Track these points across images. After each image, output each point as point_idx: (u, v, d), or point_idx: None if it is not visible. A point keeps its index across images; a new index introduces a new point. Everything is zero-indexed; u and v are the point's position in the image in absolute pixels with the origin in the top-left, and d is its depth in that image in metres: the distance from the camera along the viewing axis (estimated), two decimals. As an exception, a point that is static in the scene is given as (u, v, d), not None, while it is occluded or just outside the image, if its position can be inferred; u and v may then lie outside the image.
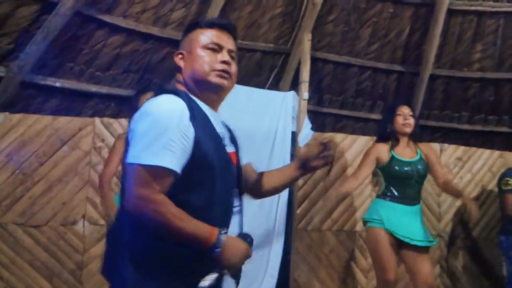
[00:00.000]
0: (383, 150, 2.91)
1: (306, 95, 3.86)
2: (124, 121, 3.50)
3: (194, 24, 1.42)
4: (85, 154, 3.38)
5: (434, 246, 3.21)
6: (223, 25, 1.41)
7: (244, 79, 4.00)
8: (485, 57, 4.20)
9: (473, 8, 3.97)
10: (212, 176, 1.23)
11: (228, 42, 1.38)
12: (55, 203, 3.28)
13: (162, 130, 1.16)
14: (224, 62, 1.33)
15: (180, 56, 1.40)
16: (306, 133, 3.89)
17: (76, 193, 3.33)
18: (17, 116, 3.27)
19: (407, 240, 2.76)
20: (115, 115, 3.69)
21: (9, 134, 3.24)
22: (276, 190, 1.59)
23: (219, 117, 1.40)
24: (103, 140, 3.43)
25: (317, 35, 3.99)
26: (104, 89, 3.60)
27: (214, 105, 1.38)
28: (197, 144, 1.20)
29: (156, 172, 1.13)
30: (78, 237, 3.32)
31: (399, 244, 2.80)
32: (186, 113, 1.21)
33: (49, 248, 3.25)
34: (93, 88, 3.56)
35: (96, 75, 3.57)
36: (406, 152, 2.92)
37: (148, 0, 3.39)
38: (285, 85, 4.15)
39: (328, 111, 4.36)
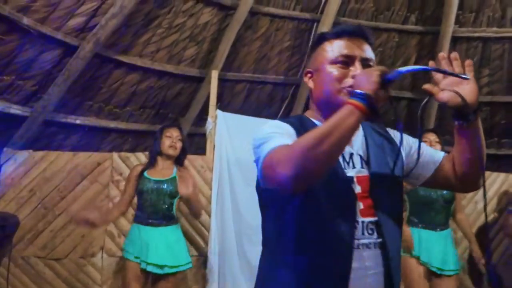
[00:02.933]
0: None
1: (316, 124, 3.95)
2: (140, 154, 3.63)
3: (321, 36, 1.22)
4: (103, 188, 3.49)
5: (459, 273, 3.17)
6: (353, 31, 1.17)
7: (256, 111, 4.13)
8: (494, 81, 4.25)
9: (477, 34, 4.06)
10: (315, 205, 1.08)
11: (361, 50, 1.15)
12: (75, 236, 3.38)
13: None
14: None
15: (309, 75, 1.22)
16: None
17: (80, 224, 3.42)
18: (40, 153, 3.42)
19: (433, 269, 2.78)
20: (132, 149, 3.84)
21: (32, 171, 3.39)
22: (469, 163, 1.17)
23: (359, 135, 1.20)
24: (120, 174, 3.55)
25: (325, 66, 4.11)
26: (121, 125, 3.77)
27: None
28: None
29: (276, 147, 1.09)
30: (97, 269, 3.40)
31: (428, 271, 2.80)
32: (289, 128, 1.13)
33: (69, 281, 3.33)
34: (112, 124, 3.73)
35: (114, 111, 3.74)
36: None
37: (163, 40, 3.59)
38: (296, 114, 4.26)
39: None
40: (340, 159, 1.13)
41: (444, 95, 1.08)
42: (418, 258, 2.80)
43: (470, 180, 1.20)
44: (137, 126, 3.83)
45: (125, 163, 3.64)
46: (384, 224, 1.12)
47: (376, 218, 1.11)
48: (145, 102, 3.83)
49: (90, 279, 3.38)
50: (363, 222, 1.10)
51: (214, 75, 3.68)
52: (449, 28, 3.92)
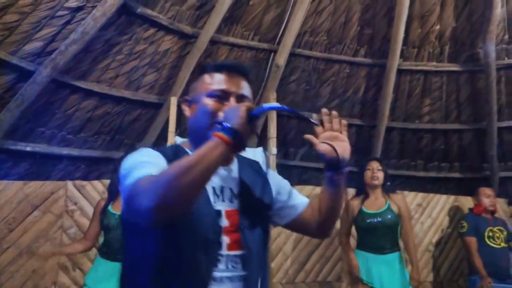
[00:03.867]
0: (355, 205, 3.14)
1: (274, 150, 4.04)
2: (96, 183, 3.51)
3: (203, 68, 1.26)
4: (57, 218, 3.33)
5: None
6: (233, 67, 1.21)
7: (214, 137, 4.15)
8: (434, 110, 4.60)
9: (419, 68, 4.40)
10: (176, 238, 1.07)
11: (238, 87, 1.18)
12: (25, 271, 3.18)
13: None
14: None
15: (186, 103, 1.25)
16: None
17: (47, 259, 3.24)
18: (-14, 183, 3.22)
19: None
20: (85, 177, 3.70)
21: (-24, 201, 3.17)
22: (327, 211, 1.27)
23: (233, 170, 1.22)
24: (75, 203, 3.41)
25: (281, 93, 4.25)
26: (74, 152, 3.63)
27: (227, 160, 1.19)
28: None
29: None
30: (49, 306, 3.21)
31: None
32: (160, 158, 1.13)
33: (17, 320, 3.11)
34: (64, 151, 3.58)
35: (67, 138, 3.60)
36: (374, 204, 3.13)
37: (122, 66, 3.54)
38: (253, 141, 4.33)
39: (294, 163, 4.56)
40: (210, 192, 1.13)
41: (322, 147, 1.19)
42: (364, 281, 2.96)
43: (326, 227, 1.31)
44: (91, 152, 3.71)
45: (80, 192, 3.51)
46: (249, 258, 1.13)
47: (242, 252, 1.12)
48: (101, 128, 3.72)
49: (42, 317, 3.18)
50: (228, 255, 1.11)
51: (173, 101, 3.68)
52: (395, 61, 4.22)
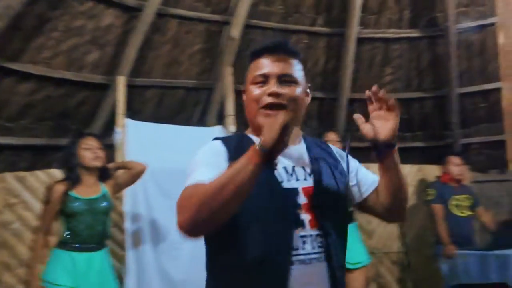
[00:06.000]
0: None
1: (232, 128, 3.86)
2: (39, 173, 3.24)
3: (250, 55, 1.23)
4: (-4, 214, 3.07)
5: (367, 264, 3.29)
6: (272, 48, 1.18)
7: (169, 117, 3.94)
8: (395, 79, 4.52)
9: (378, 35, 4.28)
10: (249, 214, 1.06)
11: (279, 67, 1.15)
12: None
13: None
14: (270, 94, 1.12)
15: (244, 94, 1.24)
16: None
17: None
18: None
19: None
20: (30, 167, 3.42)
21: None
22: (390, 197, 1.18)
23: (301, 149, 1.20)
24: (16, 196, 3.14)
25: (238, 68, 4.05)
26: (15, 140, 3.34)
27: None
28: None
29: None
30: (-6, 307, 2.97)
31: None
32: (220, 148, 1.16)
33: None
34: (3, 141, 3.29)
35: (5, 126, 3.31)
36: None
37: (59, 44, 3.24)
38: (211, 120, 4.14)
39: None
40: (283, 172, 1.12)
41: (364, 128, 1.15)
42: None
43: (394, 211, 1.22)
44: (35, 141, 3.43)
45: (22, 184, 3.23)
46: (328, 237, 1.10)
47: (320, 231, 1.10)
48: (43, 114, 3.44)
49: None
50: (311, 235, 1.09)
51: (121, 81, 3.41)
52: (354, 29, 4.09)
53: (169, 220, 2.92)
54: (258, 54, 1.19)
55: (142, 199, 3.12)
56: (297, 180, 1.13)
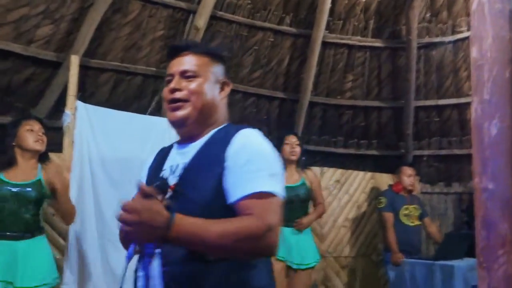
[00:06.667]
0: None
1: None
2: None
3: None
4: None
5: (314, 267, 3.30)
6: (176, 49, 1.25)
7: (124, 104, 3.74)
8: (356, 87, 4.56)
9: (343, 41, 4.30)
10: None
11: (180, 64, 1.20)
12: None
13: None
14: (171, 90, 1.18)
15: None
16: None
17: None
18: None
19: (288, 263, 2.98)
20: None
21: None
22: None
23: (195, 146, 1.18)
24: None
25: (200, 60, 3.92)
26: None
27: (191, 136, 1.20)
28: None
29: None
30: None
31: (286, 266, 2.99)
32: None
33: None
34: None
35: None
36: (291, 178, 3.10)
37: (6, 14, 2.97)
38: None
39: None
40: (168, 170, 1.19)
41: None
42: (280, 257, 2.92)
43: None
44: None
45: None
46: None
47: None
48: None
49: None
50: None
51: (74, 60, 3.15)
52: (320, 33, 4.07)
53: (115, 209, 2.75)
54: (169, 57, 1.25)
55: (88, 186, 2.93)
56: (175, 177, 1.15)
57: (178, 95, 1.17)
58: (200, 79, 1.18)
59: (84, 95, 3.45)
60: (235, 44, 4.07)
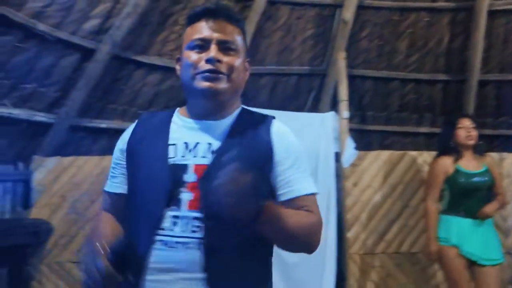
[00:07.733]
0: (448, 164, 2.81)
1: (345, 114, 3.76)
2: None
3: (186, 21, 1.17)
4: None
5: (503, 264, 2.94)
6: (211, 12, 1.10)
7: (283, 104, 4.01)
8: (538, 56, 3.90)
9: (516, 6, 3.74)
10: (136, 192, 1.08)
11: (219, 33, 1.07)
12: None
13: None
14: (209, 60, 1.05)
15: (179, 63, 1.18)
16: (350, 153, 3.76)
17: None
18: (69, 159, 3.45)
19: (474, 258, 2.70)
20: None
21: (61, 176, 3.42)
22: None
23: (222, 125, 1.10)
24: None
25: (352, 52, 3.93)
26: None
27: (214, 113, 1.10)
28: (129, 163, 1.12)
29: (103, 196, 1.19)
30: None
31: (469, 261, 2.73)
32: (123, 137, 1.17)
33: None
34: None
35: (139, 113, 3.73)
36: (471, 164, 2.83)
37: (180, 38, 3.53)
38: (325, 106, 4.09)
39: (373, 128, 4.23)
40: (181, 147, 1.06)
41: None
42: (457, 248, 2.69)
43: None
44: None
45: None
46: (210, 221, 0.97)
47: (201, 213, 0.99)
48: (168, 102, 3.78)
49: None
50: (187, 216, 0.99)
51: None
52: (485, 1, 3.63)
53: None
54: (196, 17, 1.11)
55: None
56: (194, 156, 1.04)
57: (220, 67, 1.05)
58: (240, 54, 1.10)
59: (245, 100, 3.83)
60: (387, 31, 3.94)
